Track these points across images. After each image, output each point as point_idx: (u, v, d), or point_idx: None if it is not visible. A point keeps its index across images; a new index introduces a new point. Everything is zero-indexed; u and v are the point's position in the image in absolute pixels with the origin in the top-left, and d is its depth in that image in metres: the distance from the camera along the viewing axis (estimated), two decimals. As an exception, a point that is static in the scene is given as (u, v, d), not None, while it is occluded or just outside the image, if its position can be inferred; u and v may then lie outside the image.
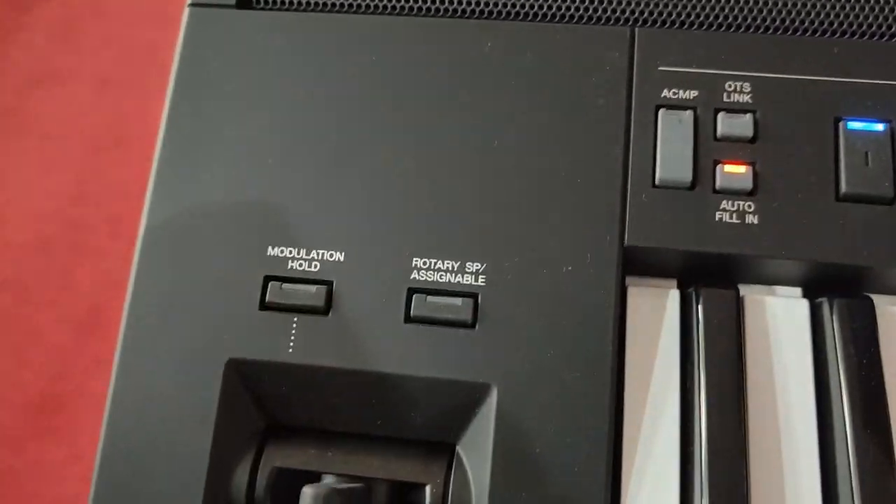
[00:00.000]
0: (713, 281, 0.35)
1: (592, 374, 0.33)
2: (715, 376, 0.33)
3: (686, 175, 0.35)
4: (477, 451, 0.33)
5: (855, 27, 0.37)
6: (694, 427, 0.33)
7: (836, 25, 0.37)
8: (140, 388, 0.34)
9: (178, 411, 0.34)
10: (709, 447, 0.32)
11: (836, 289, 0.35)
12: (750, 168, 0.35)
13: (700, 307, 0.34)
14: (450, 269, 0.34)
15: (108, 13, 1.01)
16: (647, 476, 0.33)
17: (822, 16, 0.37)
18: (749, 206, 0.34)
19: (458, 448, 0.34)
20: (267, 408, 0.35)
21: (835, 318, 0.34)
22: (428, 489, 0.33)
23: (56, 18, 1.01)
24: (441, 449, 0.34)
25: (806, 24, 0.37)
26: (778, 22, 0.37)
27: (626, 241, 0.34)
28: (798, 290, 0.36)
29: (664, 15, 0.37)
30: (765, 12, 0.37)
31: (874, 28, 0.37)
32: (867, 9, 0.37)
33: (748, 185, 0.34)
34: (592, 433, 0.32)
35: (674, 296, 0.35)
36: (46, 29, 1.01)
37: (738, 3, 0.37)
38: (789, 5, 0.37)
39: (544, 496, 0.31)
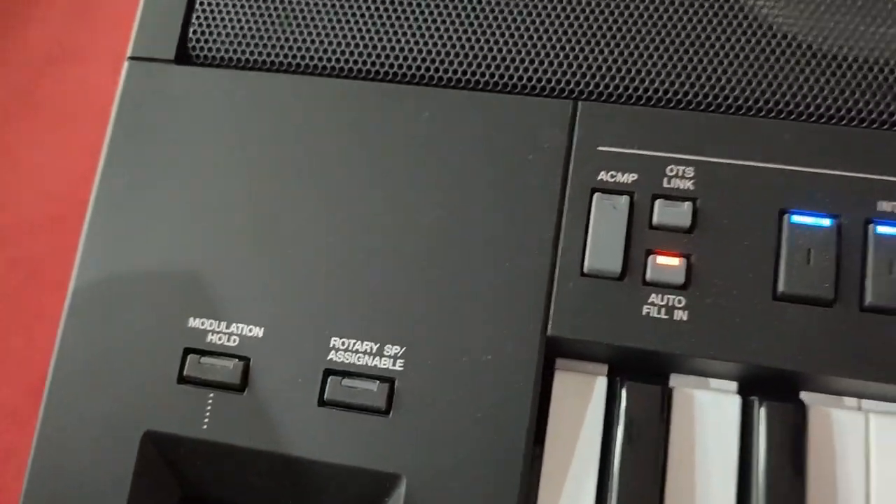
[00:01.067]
0: (642, 372, 0.34)
1: (504, 472, 0.32)
2: (630, 477, 0.32)
3: (616, 265, 0.33)
4: (384, 540, 0.33)
5: (813, 109, 0.35)
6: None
7: (792, 106, 0.35)
8: (59, 453, 0.34)
9: (94, 479, 0.34)
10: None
11: (771, 386, 0.34)
12: (684, 260, 0.33)
13: (622, 402, 0.33)
14: (368, 350, 0.34)
15: (123, -9, 1.01)
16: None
17: (777, 95, 0.35)
18: (679, 301, 0.33)
19: (367, 535, 0.34)
20: (183, 480, 0.35)
21: (762, 422, 0.33)
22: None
23: (72, -4, 1.01)
24: (351, 534, 0.34)
25: (761, 103, 0.35)
26: (731, 100, 0.35)
27: (549, 331, 0.33)
28: (734, 384, 0.35)
29: (610, 87, 0.36)
30: (717, 89, 0.35)
31: (832, 111, 0.34)
32: (826, 90, 0.35)
33: (680, 278, 0.33)
34: (499, 532, 0.31)
35: (601, 384, 0.34)
36: (62, 7, 1.01)
37: (691, 77, 0.35)
38: (743, 83, 0.35)
39: None
